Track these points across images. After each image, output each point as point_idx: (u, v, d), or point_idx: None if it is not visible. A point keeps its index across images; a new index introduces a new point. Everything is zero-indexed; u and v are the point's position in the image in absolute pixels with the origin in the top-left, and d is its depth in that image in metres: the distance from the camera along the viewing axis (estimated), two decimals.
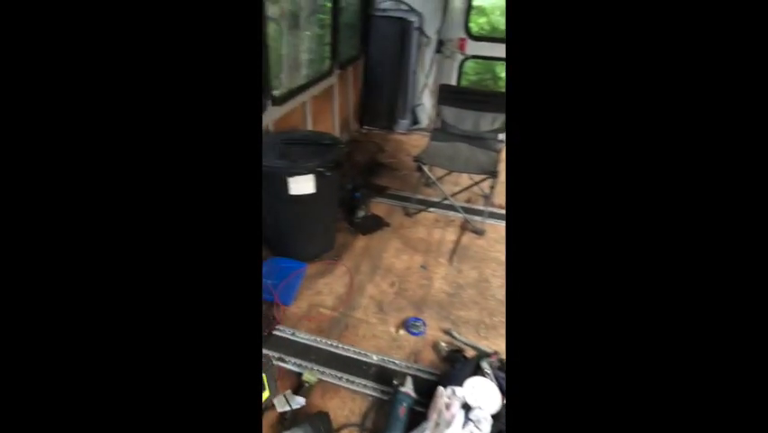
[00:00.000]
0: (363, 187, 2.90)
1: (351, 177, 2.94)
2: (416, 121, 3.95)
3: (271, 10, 3.61)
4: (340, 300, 1.98)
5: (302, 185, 1.89)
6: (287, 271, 2.08)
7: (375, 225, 2.54)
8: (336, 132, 3.40)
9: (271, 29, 3.84)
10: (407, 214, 2.67)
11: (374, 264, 2.23)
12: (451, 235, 2.50)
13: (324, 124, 3.19)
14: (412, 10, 3.53)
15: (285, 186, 1.87)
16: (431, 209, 2.70)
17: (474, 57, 3.74)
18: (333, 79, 3.12)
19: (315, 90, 2.88)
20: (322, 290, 2.05)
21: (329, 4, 3.94)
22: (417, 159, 2.45)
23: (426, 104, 3.92)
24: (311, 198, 1.96)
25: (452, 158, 2.57)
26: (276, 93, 2.35)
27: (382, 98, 3.81)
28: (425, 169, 2.47)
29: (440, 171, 2.69)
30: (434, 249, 2.37)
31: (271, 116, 2.32)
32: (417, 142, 3.74)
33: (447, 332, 1.81)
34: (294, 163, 1.85)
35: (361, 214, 2.60)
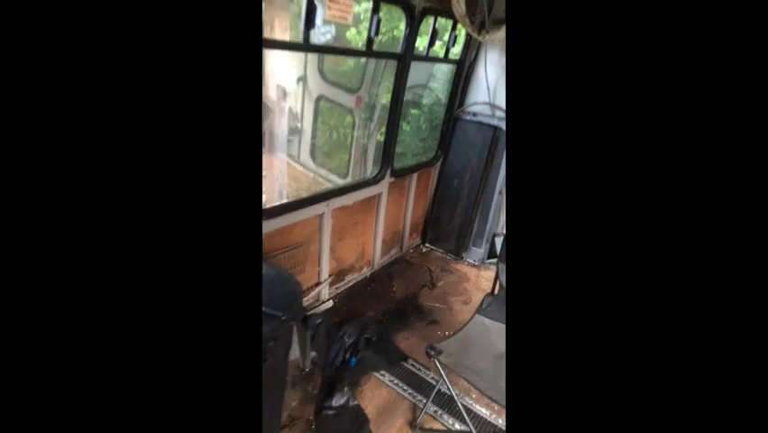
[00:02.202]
0: (371, 346, 1.98)
1: (362, 322, 2.06)
2: (493, 253, 2.94)
3: (346, 98, 3.26)
4: None
5: None
6: None
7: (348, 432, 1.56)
8: (376, 251, 2.63)
9: (346, 118, 3.48)
10: (412, 424, 1.62)
11: None
12: None
13: (357, 239, 2.45)
14: None
15: None
16: (456, 426, 1.61)
17: None
18: (379, 188, 2.41)
19: (346, 200, 2.20)
20: None
21: (425, 100, 3.43)
22: (433, 351, 1.45)
23: None
24: None
25: (496, 362, 1.50)
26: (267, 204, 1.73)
27: (454, 217, 2.95)
28: (441, 370, 1.45)
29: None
30: None
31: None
32: (488, 282, 2.72)
33: None
34: None
35: (340, 400, 1.67)
